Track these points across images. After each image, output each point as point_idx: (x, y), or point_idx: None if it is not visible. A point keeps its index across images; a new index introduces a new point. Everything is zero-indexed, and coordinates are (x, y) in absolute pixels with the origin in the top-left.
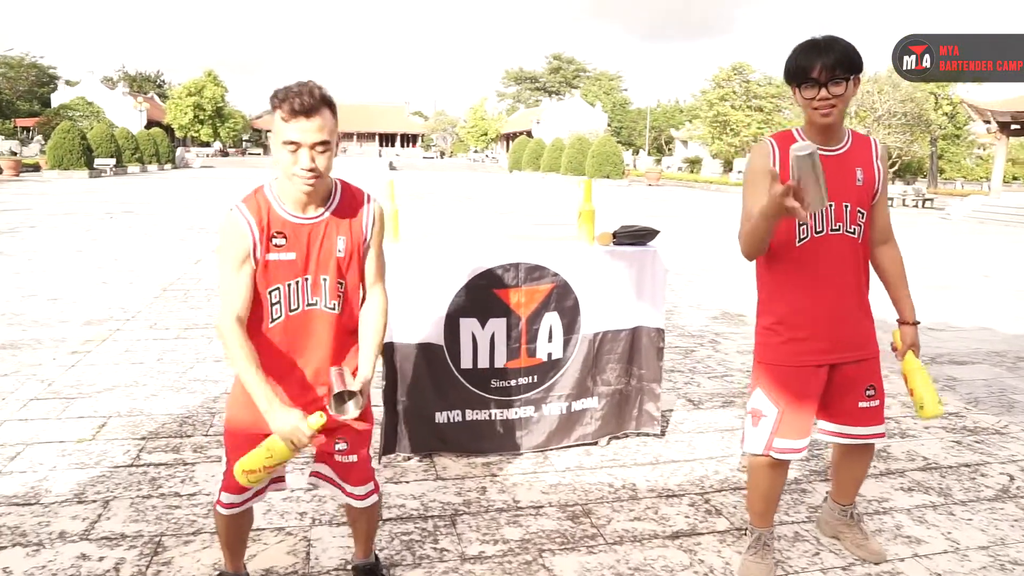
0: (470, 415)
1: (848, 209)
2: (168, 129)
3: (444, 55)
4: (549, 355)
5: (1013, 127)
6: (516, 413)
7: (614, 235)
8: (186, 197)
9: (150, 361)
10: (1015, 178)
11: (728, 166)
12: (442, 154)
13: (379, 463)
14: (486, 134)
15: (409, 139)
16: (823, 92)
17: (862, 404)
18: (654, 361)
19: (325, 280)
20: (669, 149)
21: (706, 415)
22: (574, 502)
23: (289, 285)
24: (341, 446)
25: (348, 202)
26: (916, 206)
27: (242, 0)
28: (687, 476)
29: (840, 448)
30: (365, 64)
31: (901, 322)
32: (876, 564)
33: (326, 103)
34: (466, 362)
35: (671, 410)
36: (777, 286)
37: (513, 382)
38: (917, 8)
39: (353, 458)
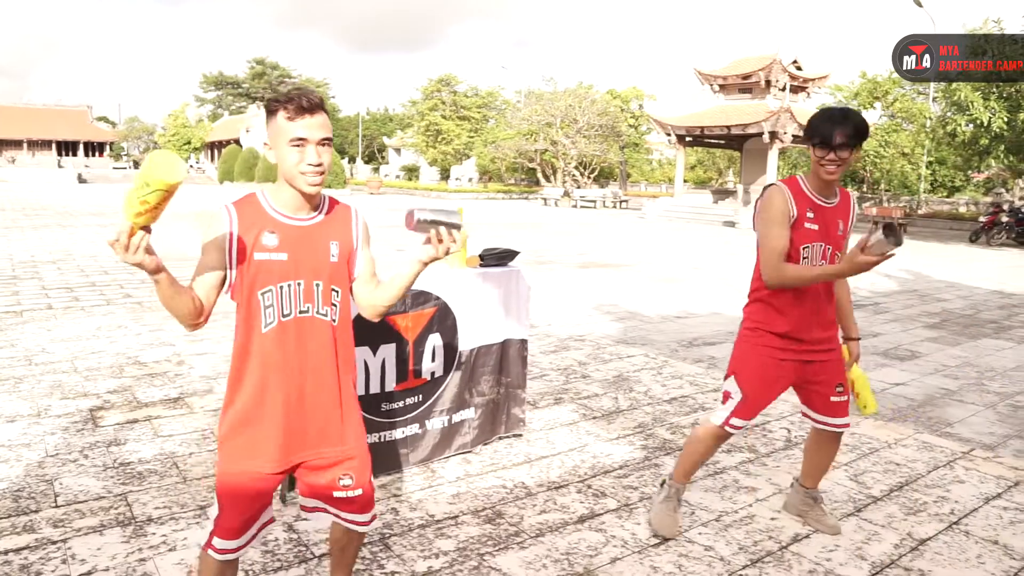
0: None
1: (829, 252)
2: None
3: (131, 55)
4: (432, 374)
5: (687, 139)
6: (403, 432)
7: (481, 257)
8: None
9: None
10: (696, 182)
11: (445, 173)
12: (136, 164)
13: (284, 505)
14: (189, 143)
15: (94, 148)
16: (831, 155)
17: (833, 399)
18: (519, 368)
19: (318, 286)
20: (383, 157)
21: (547, 413)
22: (482, 507)
23: (281, 288)
24: (346, 481)
25: (336, 209)
26: (615, 207)
27: None
28: (562, 468)
29: (814, 437)
30: (34, 61)
31: (847, 338)
32: (831, 535)
33: (323, 105)
34: (359, 390)
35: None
36: (772, 298)
37: (400, 403)
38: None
39: (359, 491)
